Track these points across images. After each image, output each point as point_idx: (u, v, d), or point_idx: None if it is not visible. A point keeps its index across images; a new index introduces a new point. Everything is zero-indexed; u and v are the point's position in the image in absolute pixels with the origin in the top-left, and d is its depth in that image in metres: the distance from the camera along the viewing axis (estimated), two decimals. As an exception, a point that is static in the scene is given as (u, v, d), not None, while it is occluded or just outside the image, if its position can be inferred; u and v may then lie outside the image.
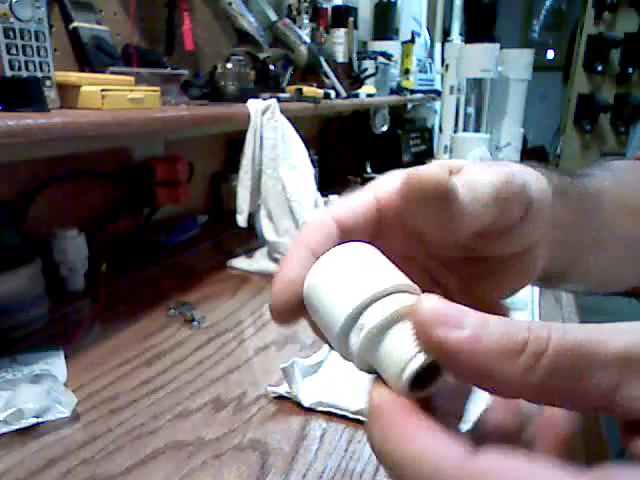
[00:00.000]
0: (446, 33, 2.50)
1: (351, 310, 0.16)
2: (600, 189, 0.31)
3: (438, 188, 0.18)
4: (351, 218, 0.21)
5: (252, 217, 0.88)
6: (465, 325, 0.14)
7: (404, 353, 0.15)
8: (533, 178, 0.22)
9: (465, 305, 0.15)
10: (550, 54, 3.93)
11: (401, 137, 1.80)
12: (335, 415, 0.47)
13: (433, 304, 0.15)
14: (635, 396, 0.13)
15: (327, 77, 1.23)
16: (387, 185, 0.22)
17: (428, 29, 2.57)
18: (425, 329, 0.15)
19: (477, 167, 0.21)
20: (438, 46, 2.65)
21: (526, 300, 0.71)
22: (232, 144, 1.14)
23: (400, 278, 0.17)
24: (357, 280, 0.17)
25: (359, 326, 0.16)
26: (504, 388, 0.14)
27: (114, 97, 0.64)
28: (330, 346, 0.19)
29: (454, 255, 0.24)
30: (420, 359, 0.15)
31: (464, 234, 0.20)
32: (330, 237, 0.20)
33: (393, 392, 0.16)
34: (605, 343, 0.13)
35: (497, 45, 1.87)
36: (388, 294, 0.17)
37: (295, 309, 0.19)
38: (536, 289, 0.74)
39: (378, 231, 0.22)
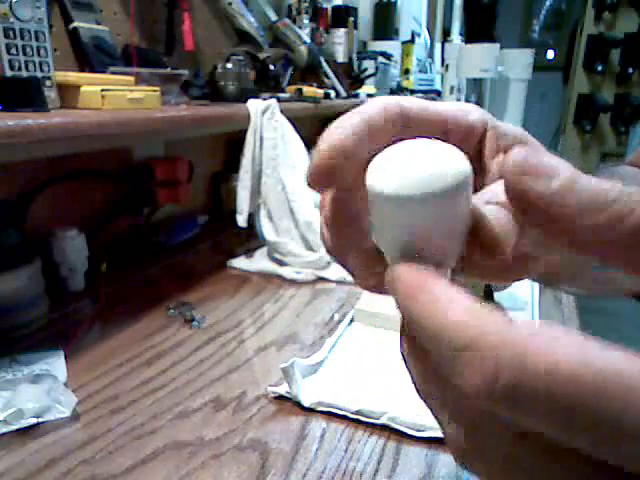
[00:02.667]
0: (446, 33, 2.51)
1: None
2: None
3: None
4: (418, 114, 0.19)
5: (252, 217, 0.88)
6: (557, 175, 0.15)
7: None
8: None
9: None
10: (550, 54, 3.93)
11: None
12: (335, 415, 0.47)
13: (524, 154, 0.15)
14: None
15: (327, 77, 1.23)
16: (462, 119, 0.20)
17: (428, 29, 2.57)
18: (515, 177, 0.15)
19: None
20: (438, 46, 2.65)
21: (526, 299, 0.71)
22: (232, 144, 1.14)
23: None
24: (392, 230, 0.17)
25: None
26: (583, 237, 0.14)
27: (114, 97, 0.64)
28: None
29: None
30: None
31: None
32: (389, 112, 0.18)
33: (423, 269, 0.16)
34: None
35: (497, 45, 1.87)
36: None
37: (334, 174, 0.18)
38: (536, 289, 0.74)
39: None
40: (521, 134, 0.21)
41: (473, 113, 0.20)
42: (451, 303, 0.15)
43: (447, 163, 0.15)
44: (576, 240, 0.15)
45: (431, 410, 0.19)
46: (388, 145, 0.17)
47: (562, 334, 0.14)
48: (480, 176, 0.19)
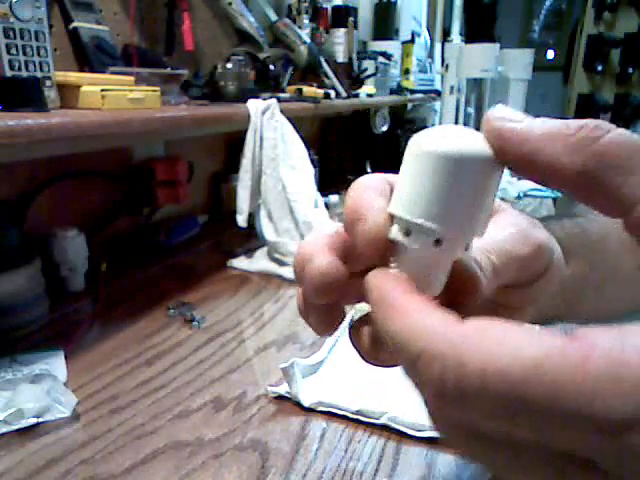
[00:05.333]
0: (446, 33, 2.51)
1: (395, 212, 0.18)
2: (604, 231, 0.33)
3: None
4: None
5: (252, 217, 0.88)
6: (522, 119, 0.16)
7: None
8: (555, 245, 0.24)
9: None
10: (550, 54, 3.93)
11: (401, 137, 1.80)
12: (335, 415, 0.47)
13: (500, 116, 0.17)
14: None
15: (327, 77, 1.23)
16: None
17: (428, 29, 2.57)
18: (488, 121, 0.17)
19: (511, 231, 0.22)
20: (438, 46, 2.65)
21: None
22: (232, 144, 1.14)
23: (447, 223, 0.17)
24: (419, 191, 0.17)
25: (395, 225, 0.18)
26: (548, 168, 0.15)
27: (114, 97, 0.64)
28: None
29: None
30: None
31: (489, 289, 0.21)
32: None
33: (389, 274, 0.17)
34: None
35: (497, 45, 1.87)
36: (422, 231, 0.17)
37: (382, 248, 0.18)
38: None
39: None
40: None
41: None
42: (404, 313, 0.16)
43: (478, 142, 0.17)
44: (548, 174, 0.16)
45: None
46: None
47: (498, 328, 0.14)
48: None
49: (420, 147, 0.17)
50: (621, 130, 0.15)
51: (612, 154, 0.14)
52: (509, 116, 0.16)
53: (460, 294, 0.20)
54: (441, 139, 0.16)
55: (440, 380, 0.14)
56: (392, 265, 0.19)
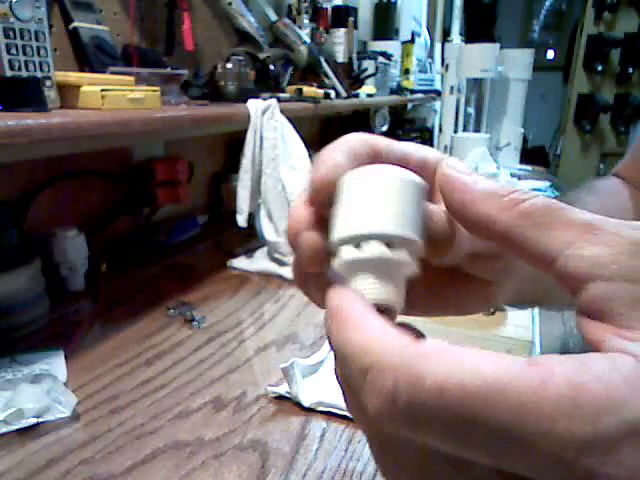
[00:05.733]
0: (446, 33, 2.51)
1: (349, 233, 0.19)
2: None
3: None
4: (386, 149, 0.22)
5: (252, 217, 0.88)
6: (470, 173, 0.18)
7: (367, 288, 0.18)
8: None
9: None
10: (550, 54, 3.92)
11: (401, 137, 1.80)
12: (335, 415, 0.47)
13: (452, 166, 0.19)
14: (580, 254, 0.15)
15: (327, 77, 1.23)
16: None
17: (428, 29, 2.57)
18: (441, 167, 0.19)
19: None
20: (438, 46, 2.65)
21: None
22: (232, 144, 1.14)
23: (395, 227, 0.19)
24: (365, 208, 0.19)
25: (346, 246, 0.19)
26: (481, 219, 0.17)
27: (114, 97, 0.64)
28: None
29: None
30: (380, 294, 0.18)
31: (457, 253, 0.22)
32: (366, 154, 0.21)
33: (351, 291, 0.18)
34: (579, 211, 0.16)
35: (497, 45, 1.87)
36: (372, 238, 0.18)
37: (328, 194, 0.20)
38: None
39: None
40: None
41: (428, 151, 0.23)
42: (361, 326, 0.16)
43: (409, 172, 0.19)
44: (482, 225, 0.18)
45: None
46: None
47: (456, 348, 0.14)
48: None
49: (366, 176, 0.19)
50: (543, 196, 0.16)
51: (536, 214, 0.16)
52: (459, 168, 0.19)
53: (435, 246, 0.20)
54: (383, 170, 0.19)
55: (391, 393, 0.14)
56: (351, 285, 0.19)
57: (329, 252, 0.20)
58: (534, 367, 0.13)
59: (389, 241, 0.18)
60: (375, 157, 0.21)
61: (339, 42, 1.47)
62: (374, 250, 0.18)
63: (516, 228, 0.16)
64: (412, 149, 0.22)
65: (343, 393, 0.20)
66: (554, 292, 0.32)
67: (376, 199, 0.19)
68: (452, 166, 0.19)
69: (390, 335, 0.15)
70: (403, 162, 0.22)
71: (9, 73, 0.54)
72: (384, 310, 0.18)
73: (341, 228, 0.19)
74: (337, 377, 0.20)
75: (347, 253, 0.19)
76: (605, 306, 0.15)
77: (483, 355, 0.14)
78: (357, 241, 0.18)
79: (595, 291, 0.15)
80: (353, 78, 1.48)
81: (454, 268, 0.24)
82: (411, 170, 0.20)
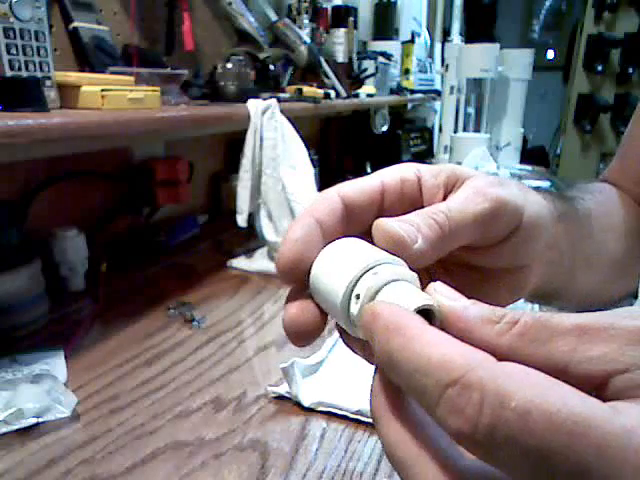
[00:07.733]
0: (446, 33, 2.51)
1: (348, 282, 0.19)
2: (589, 211, 0.34)
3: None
4: (356, 197, 0.23)
5: (252, 217, 0.88)
6: (461, 299, 0.18)
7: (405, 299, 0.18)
8: (529, 203, 0.25)
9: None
10: (550, 54, 3.92)
11: (401, 137, 1.80)
12: (335, 415, 0.47)
13: (440, 291, 0.19)
14: (589, 356, 0.15)
15: (327, 77, 1.22)
16: (394, 174, 0.24)
17: (428, 29, 2.57)
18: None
19: (468, 192, 0.23)
20: (438, 46, 2.65)
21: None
22: (232, 144, 1.14)
23: (386, 255, 0.20)
24: (350, 261, 0.20)
25: (356, 295, 0.19)
26: (481, 345, 0.16)
27: (114, 97, 0.64)
28: (338, 328, 0.23)
29: (450, 260, 0.25)
30: (423, 299, 0.18)
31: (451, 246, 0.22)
32: (335, 211, 0.22)
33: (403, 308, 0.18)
34: (566, 316, 0.16)
35: (497, 45, 1.87)
36: (377, 265, 0.19)
37: (298, 268, 0.22)
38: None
39: (380, 214, 0.23)
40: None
41: (402, 170, 0.24)
42: (436, 340, 0.16)
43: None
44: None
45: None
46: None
47: (537, 373, 0.14)
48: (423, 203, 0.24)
49: (331, 249, 0.22)
50: (529, 313, 0.17)
51: (530, 331, 0.16)
52: (447, 294, 0.18)
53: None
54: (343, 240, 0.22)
55: (476, 412, 0.13)
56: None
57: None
58: (621, 417, 0.13)
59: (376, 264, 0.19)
60: (349, 214, 0.23)
61: (339, 42, 1.46)
62: (385, 270, 0.19)
63: (517, 350, 0.16)
64: (386, 176, 0.24)
65: (372, 408, 0.19)
66: (569, 279, 0.32)
67: (353, 251, 0.20)
68: (439, 291, 0.18)
69: (470, 349, 0.15)
70: (380, 195, 0.23)
71: (9, 73, 0.54)
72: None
73: (340, 285, 0.19)
74: (374, 394, 0.19)
75: (362, 285, 0.19)
76: (637, 392, 0.14)
77: (568, 387, 0.14)
78: (357, 280, 0.19)
79: (619, 384, 0.15)
80: (353, 78, 1.48)
81: (469, 268, 0.25)
82: (392, 193, 0.23)
